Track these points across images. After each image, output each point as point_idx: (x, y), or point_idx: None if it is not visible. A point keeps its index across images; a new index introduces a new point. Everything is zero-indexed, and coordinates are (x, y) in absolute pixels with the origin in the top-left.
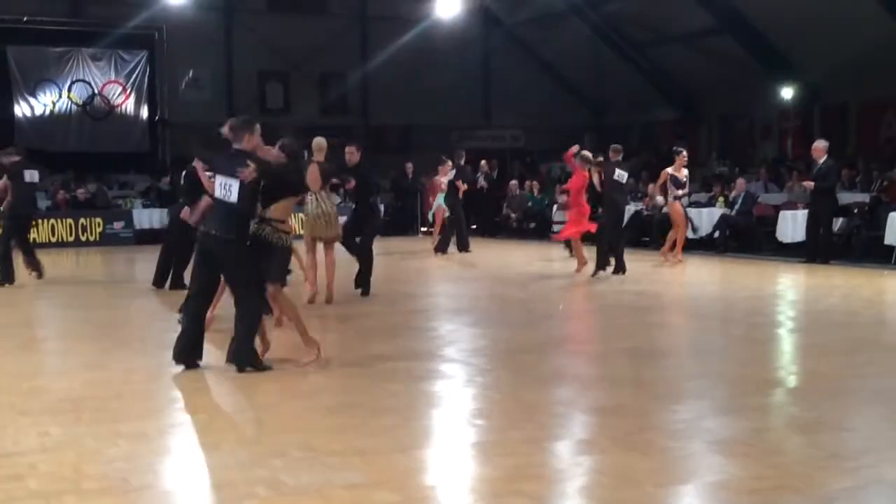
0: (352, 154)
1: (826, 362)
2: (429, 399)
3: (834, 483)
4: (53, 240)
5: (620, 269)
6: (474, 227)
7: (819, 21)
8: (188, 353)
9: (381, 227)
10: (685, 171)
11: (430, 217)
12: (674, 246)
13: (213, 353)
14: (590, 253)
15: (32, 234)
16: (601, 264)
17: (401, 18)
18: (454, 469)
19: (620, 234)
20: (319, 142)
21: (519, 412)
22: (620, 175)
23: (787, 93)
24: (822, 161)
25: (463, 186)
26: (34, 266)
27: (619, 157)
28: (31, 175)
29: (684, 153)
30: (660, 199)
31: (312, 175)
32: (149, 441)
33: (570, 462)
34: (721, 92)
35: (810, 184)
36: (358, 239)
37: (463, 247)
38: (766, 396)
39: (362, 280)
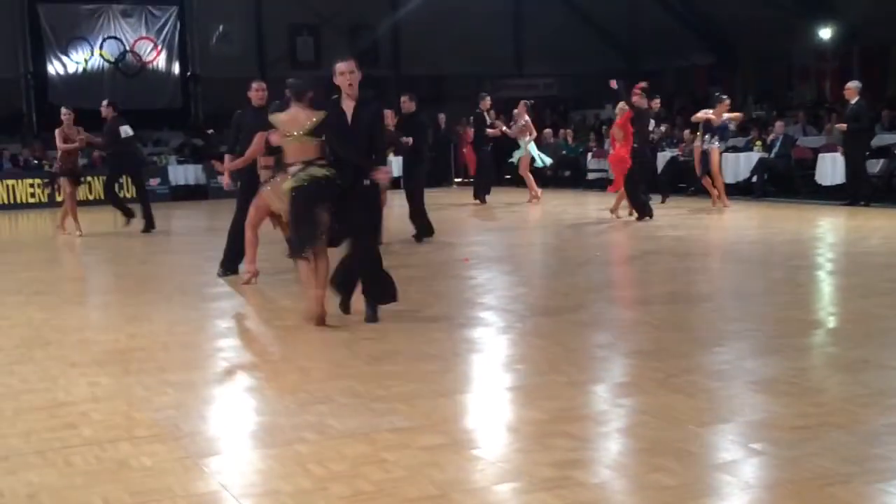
0: (406, 104)
1: (868, 303)
2: (470, 345)
3: (879, 419)
4: (91, 197)
5: (649, 213)
6: (508, 176)
7: None
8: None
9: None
10: (726, 117)
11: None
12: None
13: (255, 304)
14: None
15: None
16: (647, 211)
17: None
18: (498, 412)
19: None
20: None
21: (559, 356)
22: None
23: (825, 33)
24: (853, 101)
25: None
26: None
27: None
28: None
29: (727, 100)
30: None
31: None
32: (196, 389)
33: (613, 403)
34: (757, 34)
35: (842, 126)
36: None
37: (480, 196)
38: (807, 337)
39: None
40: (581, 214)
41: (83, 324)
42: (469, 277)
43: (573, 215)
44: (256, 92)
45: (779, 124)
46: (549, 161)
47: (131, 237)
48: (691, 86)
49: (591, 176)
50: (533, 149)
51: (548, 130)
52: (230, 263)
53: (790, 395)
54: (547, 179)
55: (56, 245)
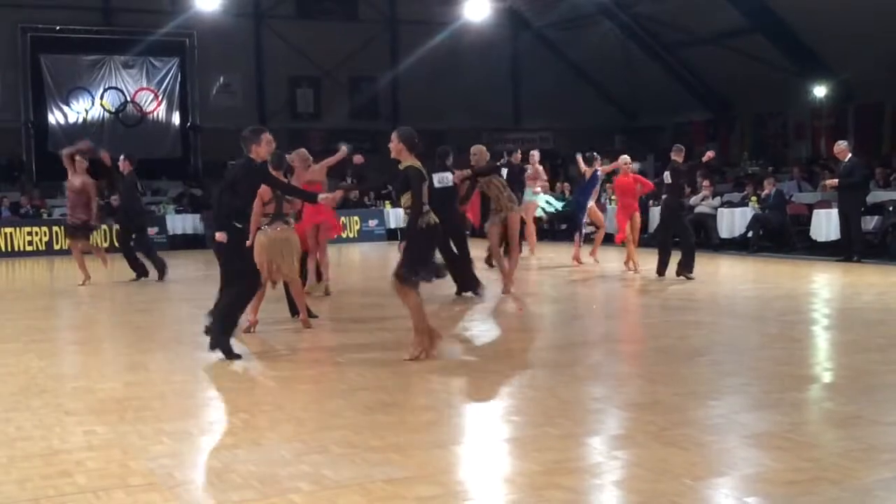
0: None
1: (862, 359)
2: (465, 396)
3: (871, 475)
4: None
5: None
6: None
7: (852, 19)
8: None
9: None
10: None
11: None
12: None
13: (251, 353)
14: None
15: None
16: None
17: (430, 22)
18: (492, 463)
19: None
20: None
21: (555, 408)
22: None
23: (819, 91)
24: (846, 159)
25: None
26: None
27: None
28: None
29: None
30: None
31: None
32: (192, 438)
33: (607, 456)
34: (753, 91)
35: (833, 181)
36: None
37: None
38: (802, 392)
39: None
40: (577, 267)
41: (80, 372)
42: (465, 329)
43: (569, 268)
44: (269, 144)
45: (767, 182)
46: (558, 206)
47: (129, 286)
48: (689, 142)
49: (587, 229)
50: (540, 198)
51: (544, 183)
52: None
53: (784, 450)
54: (543, 232)
55: (54, 293)
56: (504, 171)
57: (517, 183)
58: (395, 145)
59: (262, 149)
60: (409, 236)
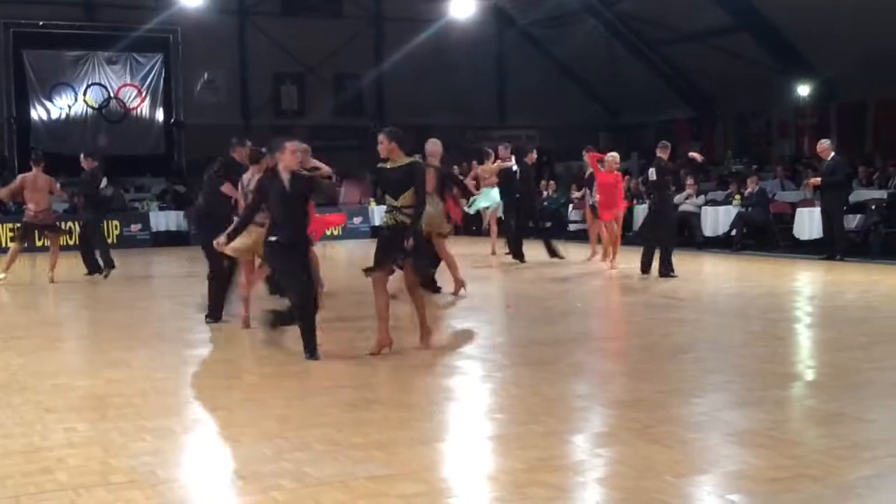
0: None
1: (844, 356)
2: (449, 394)
3: (853, 472)
4: (72, 242)
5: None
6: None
7: (836, 18)
8: None
9: None
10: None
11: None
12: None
13: (234, 351)
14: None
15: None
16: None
17: (415, 19)
18: (475, 461)
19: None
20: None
21: (538, 406)
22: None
23: (803, 90)
24: (829, 158)
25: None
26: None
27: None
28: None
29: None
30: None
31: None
32: (174, 436)
33: (591, 454)
34: (737, 90)
35: (816, 180)
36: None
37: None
38: (784, 389)
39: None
40: (561, 265)
41: (60, 369)
42: (448, 326)
43: (553, 266)
44: (293, 154)
45: (750, 180)
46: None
47: (111, 283)
48: (673, 139)
49: (572, 227)
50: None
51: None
52: (215, 311)
53: (767, 447)
54: (529, 230)
55: (34, 290)
56: (517, 173)
57: (529, 186)
58: (385, 146)
59: (287, 157)
60: (415, 233)
